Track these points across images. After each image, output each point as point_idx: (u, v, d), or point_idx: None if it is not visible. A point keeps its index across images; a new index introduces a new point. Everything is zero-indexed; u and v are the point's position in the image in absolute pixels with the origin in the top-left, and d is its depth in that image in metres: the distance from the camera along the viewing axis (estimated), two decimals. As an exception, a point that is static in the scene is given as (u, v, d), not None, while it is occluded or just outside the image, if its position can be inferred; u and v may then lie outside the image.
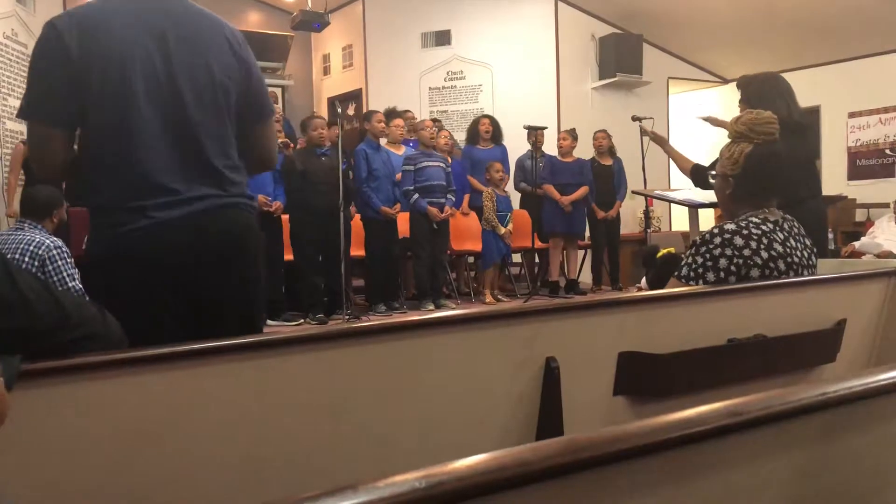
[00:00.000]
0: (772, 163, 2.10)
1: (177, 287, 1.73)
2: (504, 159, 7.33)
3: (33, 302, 1.21)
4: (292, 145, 6.47)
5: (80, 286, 3.51)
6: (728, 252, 1.99)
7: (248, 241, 1.85)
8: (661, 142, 4.12)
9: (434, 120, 7.99)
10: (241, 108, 1.86)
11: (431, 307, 6.18)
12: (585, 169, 7.13)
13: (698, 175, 3.49)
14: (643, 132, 4.79)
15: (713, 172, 2.28)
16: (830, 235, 8.09)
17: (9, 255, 3.37)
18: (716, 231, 2.04)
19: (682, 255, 2.15)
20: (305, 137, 6.17)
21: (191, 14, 1.82)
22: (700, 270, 2.01)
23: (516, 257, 7.63)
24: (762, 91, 3.37)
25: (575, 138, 7.20)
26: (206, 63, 1.78)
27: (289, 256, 6.00)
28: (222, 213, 1.78)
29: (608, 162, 7.39)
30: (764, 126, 2.10)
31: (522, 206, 7.59)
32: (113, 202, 1.71)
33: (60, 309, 1.25)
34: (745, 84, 3.47)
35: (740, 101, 3.43)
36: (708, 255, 2.01)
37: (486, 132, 7.32)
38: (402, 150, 6.72)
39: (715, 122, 4.19)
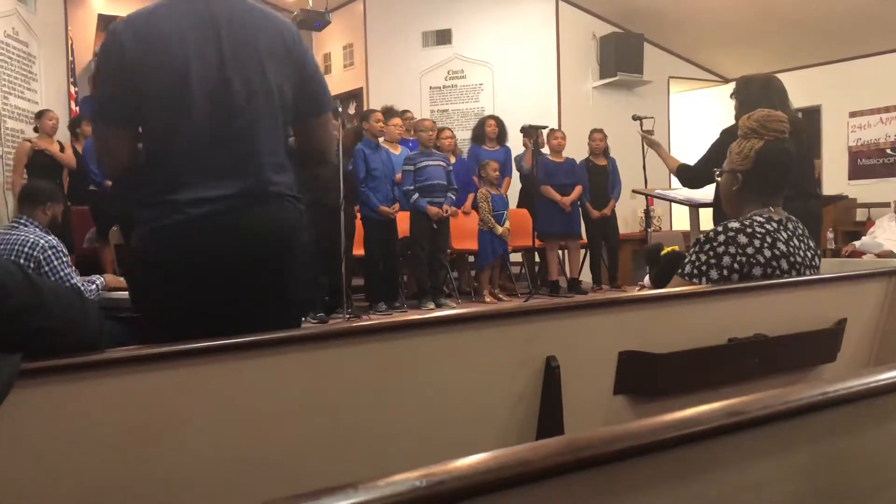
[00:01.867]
0: (782, 160, 2.11)
1: (210, 283, 1.76)
2: (508, 160, 7.38)
3: (8, 284, 1.16)
4: None
5: (79, 285, 3.49)
6: (732, 250, 2.00)
7: (287, 238, 1.84)
8: (654, 145, 4.19)
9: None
10: (298, 103, 1.89)
11: (432, 306, 6.18)
12: (577, 168, 7.18)
13: (685, 176, 3.56)
14: (641, 132, 4.84)
15: (716, 170, 2.28)
16: (831, 235, 8.11)
17: (3, 256, 3.34)
18: (720, 229, 2.04)
19: (686, 254, 2.16)
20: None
21: (246, 13, 1.84)
22: (704, 268, 2.01)
23: (516, 256, 7.62)
24: (755, 92, 3.41)
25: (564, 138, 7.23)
26: (260, 63, 1.80)
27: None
28: (259, 211, 1.79)
29: (602, 162, 7.41)
30: (776, 123, 2.11)
31: (521, 205, 7.59)
32: (154, 197, 1.77)
33: (35, 291, 1.21)
34: (742, 83, 3.52)
35: (732, 95, 3.50)
36: (712, 253, 2.01)
37: (492, 132, 7.36)
38: (399, 150, 6.72)
39: (649, 140, 4.30)
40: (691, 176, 3.56)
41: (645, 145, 6.44)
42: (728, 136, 2.98)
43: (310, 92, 1.91)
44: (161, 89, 1.75)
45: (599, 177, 7.34)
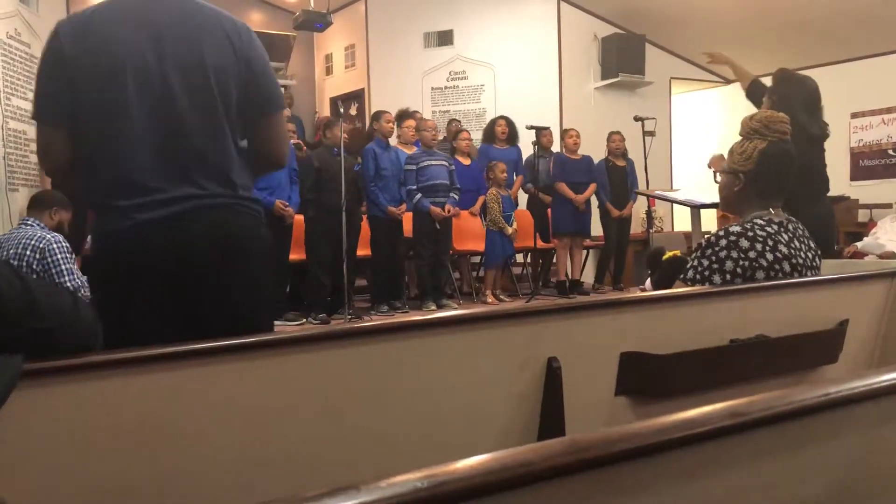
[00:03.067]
0: (784, 161, 2.11)
1: (161, 288, 1.71)
2: (518, 159, 7.47)
3: (2, 285, 1.17)
4: (305, 147, 6.49)
5: (78, 280, 3.61)
6: (734, 255, 1.99)
7: (239, 242, 1.78)
8: (724, 59, 4.21)
9: (454, 120, 8.06)
10: (242, 103, 1.82)
11: (433, 307, 6.18)
12: (593, 166, 7.22)
13: (754, 92, 3.74)
14: (711, 58, 4.63)
15: (715, 171, 2.28)
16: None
17: (11, 250, 3.58)
18: (721, 234, 2.04)
19: (687, 258, 2.15)
20: (329, 135, 6.19)
21: (189, 11, 1.80)
22: (706, 273, 2.01)
23: (519, 257, 7.63)
24: (792, 95, 3.43)
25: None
26: (201, 61, 1.75)
27: (294, 256, 6.01)
28: (209, 215, 1.74)
29: (622, 163, 7.44)
30: (778, 125, 2.11)
31: (528, 206, 7.61)
32: (101, 202, 1.74)
33: (29, 294, 1.21)
34: (780, 80, 3.54)
35: (768, 92, 3.51)
36: (714, 258, 2.01)
37: (502, 133, 7.43)
38: (413, 150, 6.74)
39: (723, 58, 4.30)
40: (757, 93, 3.71)
41: (648, 146, 6.49)
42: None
43: (257, 91, 1.84)
44: (96, 90, 1.71)
45: (619, 178, 7.39)
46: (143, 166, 1.71)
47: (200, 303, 1.74)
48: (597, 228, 7.58)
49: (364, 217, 6.34)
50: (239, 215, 1.80)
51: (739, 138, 2.18)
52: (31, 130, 6.72)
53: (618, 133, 7.49)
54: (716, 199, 4.16)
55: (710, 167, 7.54)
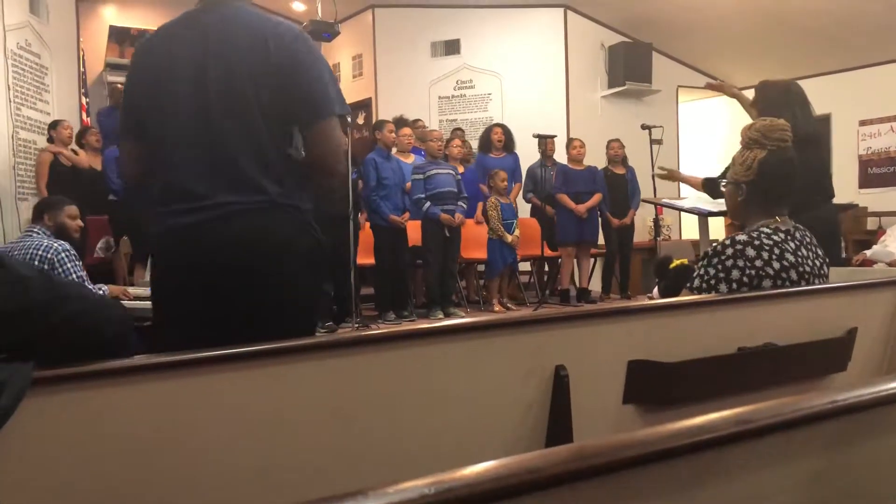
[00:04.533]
0: (785, 169, 2.10)
1: (189, 293, 1.80)
2: (516, 168, 7.38)
3: (26, 280, 1.19)
4: None
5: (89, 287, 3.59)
6: (740, 263, 1.99)
7: (271, 247, 1.80)
8: (674, 176, 4.27)
9: (458, 129, 8.04)
10: (285, 110, 1.82)
11: (441, 316, 6.18)
12: (598, 177, 7.17)
13: (710, 187, 3.59)
14: (659, 174, 4.87)
15: (724, 181, 2.28)
16: (841, 244, 8.06)
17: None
18: (727, 242, 2.03)
19: (694, 266, 2.15)
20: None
21: (235, 18, 1.85)
22: (712, 282, 2.00)
23: (525, 265, 7.62)
24: (774, 98, 3.41)
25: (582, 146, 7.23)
26: (236, 67, 1.80)
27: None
28: (239, 220, 1.78)
29: (621, 171, 7.40)
30: (777, 132, 2.10)
31: (532, 214, 7.59)
32: (157, 206, 1.85)
33: (54, 287, 1.24)
34: (760, 88, 3.54)
35: (752, 103, 3.51)
36: (720, 267, 2.00)
37: (498, 141, 7.37)
38: (411, 159, 6.75)
39: (667, 175, 4.45)
40: (714, 185, 3.60)
41: (656, 154, 6.48)
42: None
43: (298, 99, 1.82)
44: (154, 102, 1.83)
45: (618, 186, 7.33)
46: (186, 173, 1.80)
47: (228, 308, 1.78)
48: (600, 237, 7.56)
49: (367, 225, 6.35)
50: (274, 220, 1.81)
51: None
52: (41, 140, 6.77)
53: (616, 140, 7.46)
54: (723, 207, 4.18)
55: None
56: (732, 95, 4.09)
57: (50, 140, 6.45)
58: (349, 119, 6.19)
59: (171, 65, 1.82)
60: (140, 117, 1.87)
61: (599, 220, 7.24)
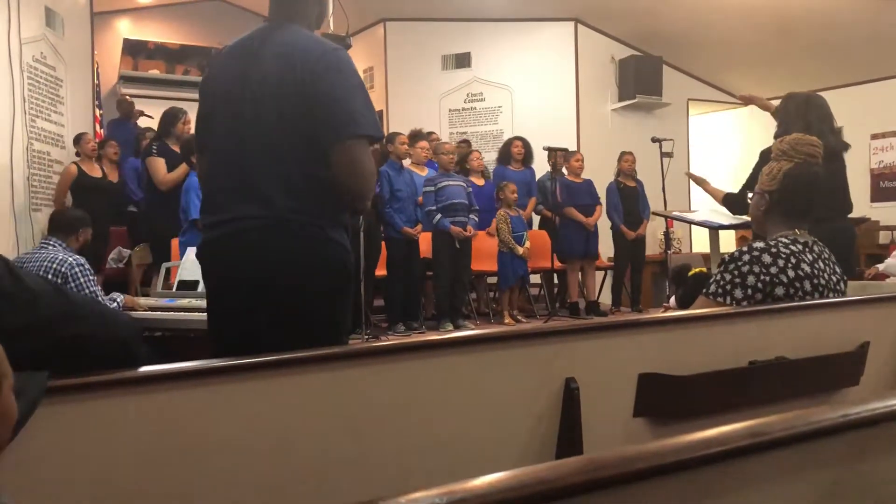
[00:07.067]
0: (810, 182, 2.11)
1: (219, 303, 1.93)
2: (532, 181, 7.42)
3: (39, 294, 1.21)
4: None
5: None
6: (756, 269, 2.00)
7: (281, 263, 1.81)
8: (701, 182, 4.26)
9: (464, 142, 8.07)
10: (309, 127, 1.82)
11: (450, 328, 6.17)
12: (593, 189, 7.21)
13: (730, 202, 3.61)
14: (688, 174, 4.95)
15: (751, 194, 2.30)
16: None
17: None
18: (745, 249, 2.05)
19: (712, 274, 2.16)
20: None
21: (277, 38, 1.91)
22: (728, 287, 2.02)
23: (535, 278, 7.61)
24: (791, 110, 3.41)
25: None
26: (267, 84, 1.85)
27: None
28: (254, 234, 1.82)
29: (633, 184, 7.41)
30: (806, 147, 2.12)
31: (542, 226, 7.59)
32: (201, 218, 2.03)
33: (65, 300, 1.26)
34: (784, 99, 3.54)
35: (775, 112, 3.51)
36: (736, 273, 2.02)
37: (518, 154, 7.38)
38: (425, 171, 6.76)
39: (695, 178, 4.41)
40: (733, 200, 3.61)
41: (666, 167, 6.48)
42: (764, 156, 3.01)
43: (323, 118, 1.82)
44: (208, 118, 1.96)
45: (631, 198, 7.34)
46: (220, 187, 1.90)
47: (250, 320, 1.83)
48: (608, 250, 7.54)
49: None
50: (294, 238, 1.82)
51: (757, 159, 2.20)
52: (55, 151, 6.83)
53: (630, 153, 7.46)
54: (733, 220, 4.18)
55: None
56: (763, 107, 4.10)
57: (78, 154, 6.54)
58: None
59: (222, 81, 1.95)
60: (198, 135, 2.03)
61: (612, 232, 7.25)
